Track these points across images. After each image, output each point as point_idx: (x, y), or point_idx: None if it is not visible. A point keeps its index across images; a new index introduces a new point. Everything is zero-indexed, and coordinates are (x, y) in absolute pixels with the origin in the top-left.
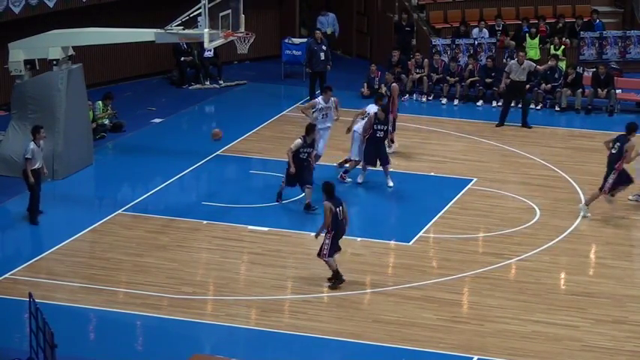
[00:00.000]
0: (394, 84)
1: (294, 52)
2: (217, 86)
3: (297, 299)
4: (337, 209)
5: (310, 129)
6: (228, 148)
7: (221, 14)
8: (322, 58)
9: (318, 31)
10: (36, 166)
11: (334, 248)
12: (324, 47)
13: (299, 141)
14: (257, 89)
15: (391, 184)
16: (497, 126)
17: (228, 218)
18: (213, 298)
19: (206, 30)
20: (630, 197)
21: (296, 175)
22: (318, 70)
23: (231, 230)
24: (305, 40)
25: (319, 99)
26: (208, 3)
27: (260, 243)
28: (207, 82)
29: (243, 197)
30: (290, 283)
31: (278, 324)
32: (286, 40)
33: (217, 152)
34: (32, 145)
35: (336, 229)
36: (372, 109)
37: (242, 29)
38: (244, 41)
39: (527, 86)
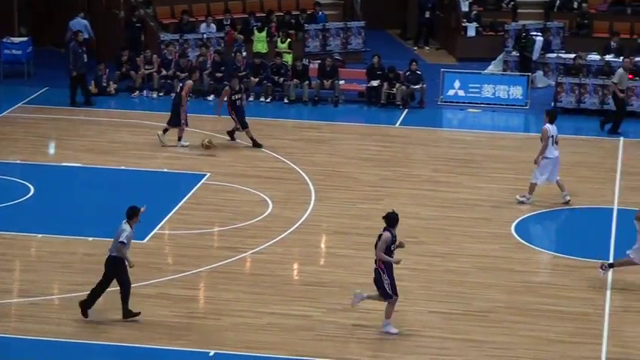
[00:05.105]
0: None
1: (13, 51)
2: None
3: (24, 302)
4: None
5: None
6: None
7: None
8: (86, 60)
9: (80, 33)
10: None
11: None
12: (84, 49)
13: None
14: None
15: None
16: (610, 133)
17: None
18: None
19: None
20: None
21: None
22: (82, 72)
23: None
24: (26, 39)
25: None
26: None
27: None
28: None
29: None
30: (17, 286)
31: (6, 329)
32: (5, 40)
33: None
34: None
35: None
36: None
37: None
38: None
39: (257, 79)
